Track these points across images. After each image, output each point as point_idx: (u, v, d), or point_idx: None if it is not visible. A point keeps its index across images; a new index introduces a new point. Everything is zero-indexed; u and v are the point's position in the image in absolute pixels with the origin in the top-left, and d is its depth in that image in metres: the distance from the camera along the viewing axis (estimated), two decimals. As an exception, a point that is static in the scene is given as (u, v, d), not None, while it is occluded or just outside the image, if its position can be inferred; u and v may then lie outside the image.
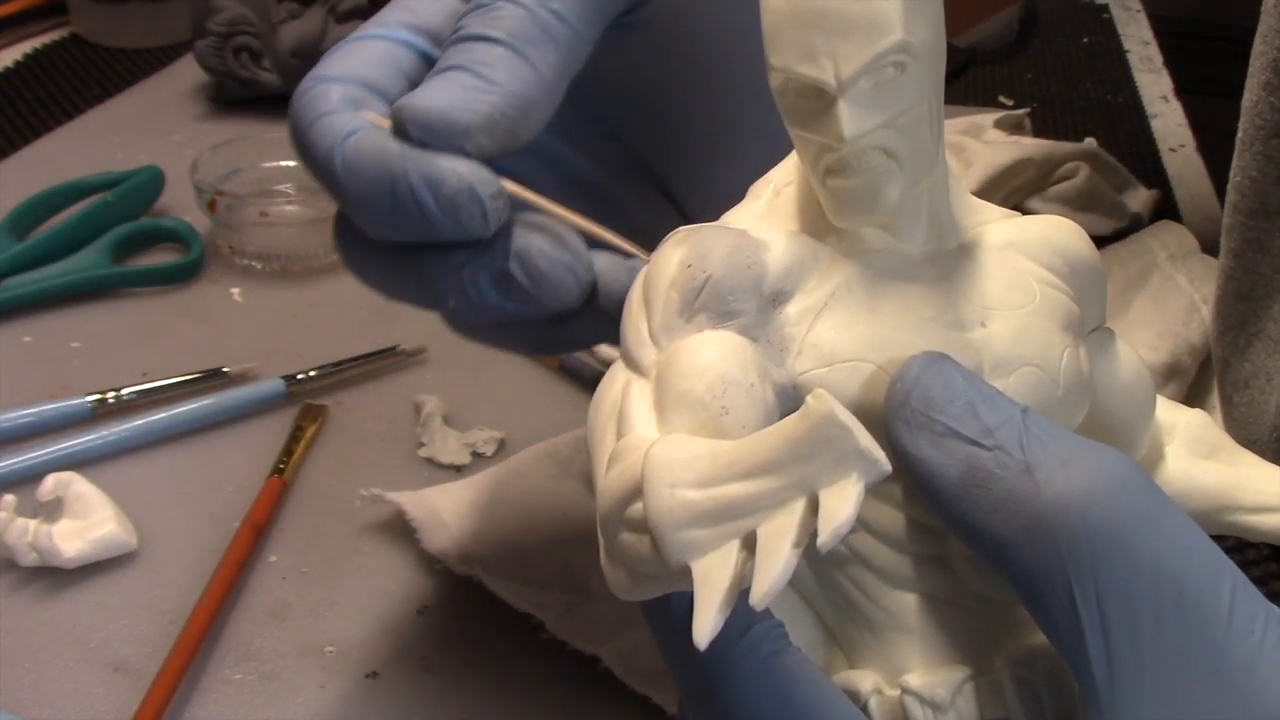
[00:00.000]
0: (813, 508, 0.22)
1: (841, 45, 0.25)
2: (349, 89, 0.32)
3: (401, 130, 0.31)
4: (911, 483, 0.26)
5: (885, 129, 0.26)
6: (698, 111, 0.39)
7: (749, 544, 0.23)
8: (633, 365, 0.27)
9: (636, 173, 0.39)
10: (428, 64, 0.34)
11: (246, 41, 0.80)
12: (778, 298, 0.27)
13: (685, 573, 0.23)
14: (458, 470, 0.52)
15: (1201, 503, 0.32)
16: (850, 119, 0.25)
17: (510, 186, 0.31)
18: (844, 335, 0.27)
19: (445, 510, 0.47)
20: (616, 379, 0.28)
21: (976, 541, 0.25)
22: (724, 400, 0.25)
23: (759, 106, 0.32)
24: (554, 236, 0.32)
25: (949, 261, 0.28)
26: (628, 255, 0.32)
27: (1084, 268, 0.30)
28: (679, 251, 0.27)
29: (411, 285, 0.33)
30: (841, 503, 0.22)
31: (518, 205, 0.32)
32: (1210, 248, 0.61)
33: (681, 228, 0.29)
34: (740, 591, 0.22)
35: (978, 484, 0.24)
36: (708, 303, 0.27)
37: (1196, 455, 0.33)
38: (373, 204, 0.31)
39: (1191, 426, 0.33)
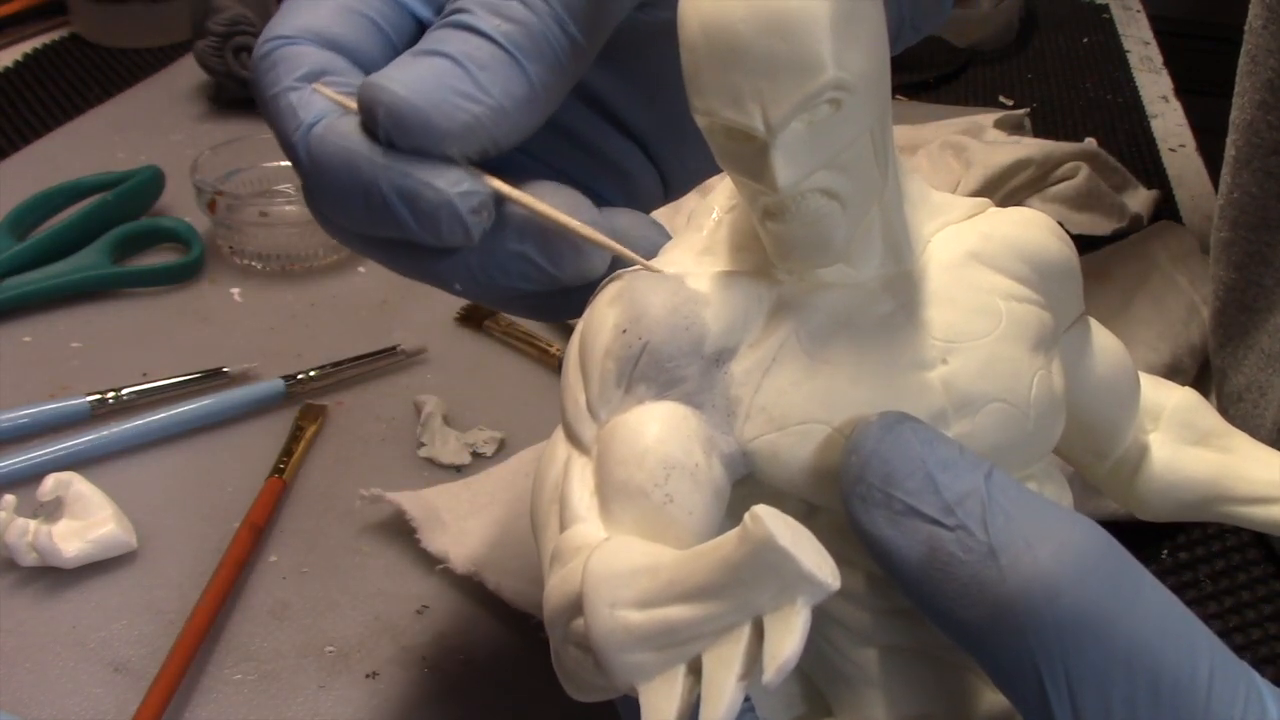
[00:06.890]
0: (758, 633, 0.21)
1: (768, 87, 0.22)
2: (310, 52, 0.29)
3: (371, 119, 0.27)
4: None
5: (825, 170, 0.23)
6: (674, 72, 0.38)
7: (695, 668, 0.22)
8: (573, 439, 0.26)
9: (616, 128, 0.36)
10: (413, 19, 0.31)
11: (246, 41, 0.80)
12: (720, 356, 0.25)
13: (634, 691, 0.22)
14: (458, 470, 0.52)
15: (1192, 495, 0.31)
16: (784, 166, 0.23)
17: (499, 187, 0.28)
18: (793, 394, 0.25)
19: (445, 510, 0.47)
20: (558, 455, 0.26)
21: (943, 625, 0.24)
22: (667, 488, 0.24)
23: None
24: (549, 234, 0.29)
25: (906, 288, 0.26)
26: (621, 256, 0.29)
27: (1054, 269, 0.28)
28: (612, 313, 0.25)
29: (406, 267, 0.31)
30: (786, 635, 0.20)
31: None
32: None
33: (614, 276, 0.26)
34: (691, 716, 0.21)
35: (940, 567, 0.23)
36: (646, 371, 0.25)
37: (1185, 442, 0.32)
38: (346, 207, 0.29)
39: (1179, 410, 0.32)
